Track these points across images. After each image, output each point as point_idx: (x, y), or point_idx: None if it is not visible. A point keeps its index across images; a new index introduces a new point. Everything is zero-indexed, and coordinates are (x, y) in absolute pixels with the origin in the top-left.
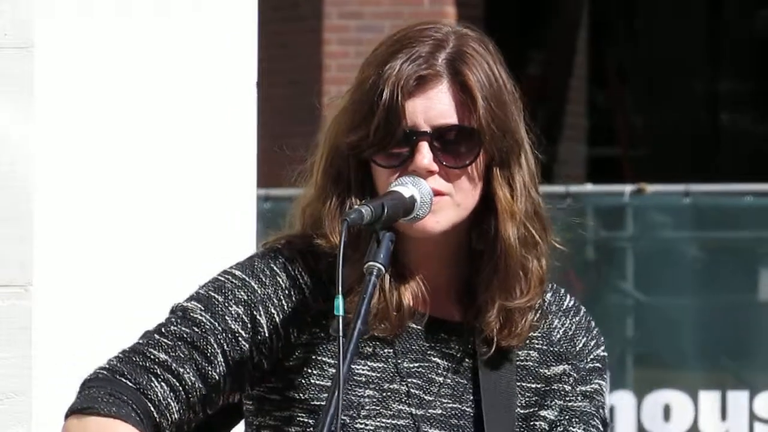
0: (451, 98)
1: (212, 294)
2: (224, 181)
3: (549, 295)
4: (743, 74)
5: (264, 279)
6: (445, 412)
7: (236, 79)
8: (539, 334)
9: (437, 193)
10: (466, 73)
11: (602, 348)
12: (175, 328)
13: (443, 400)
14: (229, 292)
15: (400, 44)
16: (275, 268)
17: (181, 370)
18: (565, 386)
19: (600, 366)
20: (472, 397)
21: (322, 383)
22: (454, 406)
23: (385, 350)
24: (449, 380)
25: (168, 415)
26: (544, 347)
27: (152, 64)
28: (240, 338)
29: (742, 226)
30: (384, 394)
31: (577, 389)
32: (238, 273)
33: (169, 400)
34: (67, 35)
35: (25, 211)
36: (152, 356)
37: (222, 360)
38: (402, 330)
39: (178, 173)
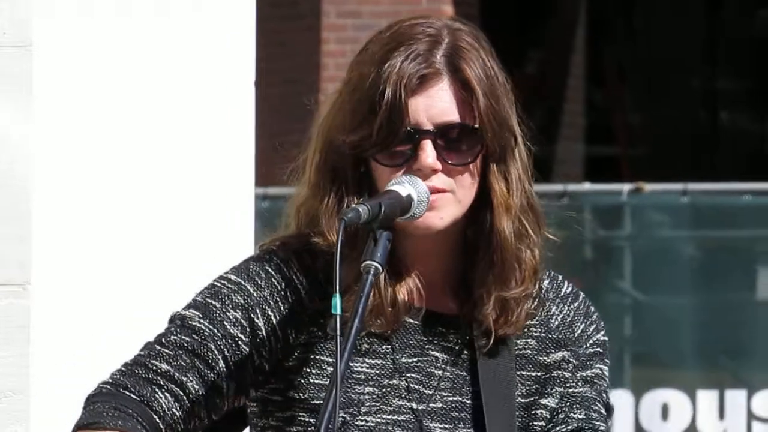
0: (452, 95)
1: (209, 300)
2: (222, 180)
3: (546, 282)
4: (742, 73)
5: (260, 282)
6: (445, 406)
7: (234, 77)
8: (537, 322)
9: (440, 191)
10: (465, 69)
11: (602, 332)
12: (175, 337)
13: (443, 394)
14: (226, 297)
15: (395, 42)
16: (270, 270)
17: (184, 379)
18: (565, 373)
19: (600, 350)
20: (472, 389)
21: (321, 382)
22: (455, 398)
23: (383, 346)
24: (448, 373)
25: (174, 424)
26: (543, 335)
27: (150, 63)
28: (240, 342)
29: (740, 225)
30: (383, 390)
31: (578, 375)
32: (233, 277)
33: (173, 410)
34: (65, 34)
35: (23, 210)
36: (154, 367)
37: (223, 365)
38: (398, 325)
39: (176, 172)
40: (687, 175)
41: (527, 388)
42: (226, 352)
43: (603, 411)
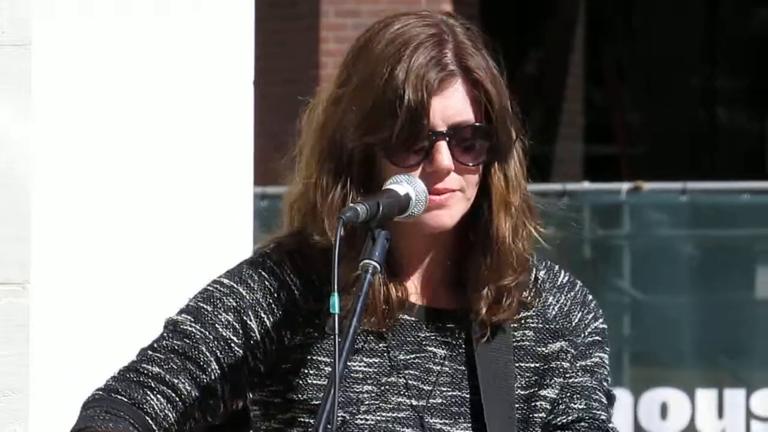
0: (464, 95)
1: (201, 305)
2: (221, 179)
3: (543, 272)
4: (740, 72)
5: (252, 284)
6: (445, 401)
7: (233, 77)
8: (534, 313)
9: (452, 190)
10: (475, 69)
11: (600, 320)
12: (167, 342)
13: (442, 389)
14: (218, 301)
15: (401, 40)
16: (263, 273)
17: (175, 380)
18: (564, 363)
19: (599, 339)
20: (470, 383)
21: (319, 383)
22: (454, 393)
23: (380, 344)
24: (447, 368)
25: (167, 425)
26: (540, 326)
27: (150, 62)
28: (232, 344)
29: (739, 224)
30: (382, 388)
31: (577, 365)
32: (226, 281)
33: (166, 411)
34: (65, 33)
35: (23, 209)
36: (145, 371)
37: (216, 367)
38: (393, 323)
39: (175, 172)
40: (686, 174)
41: (526, 379)
42: (218, 354)
43: (604, 400)
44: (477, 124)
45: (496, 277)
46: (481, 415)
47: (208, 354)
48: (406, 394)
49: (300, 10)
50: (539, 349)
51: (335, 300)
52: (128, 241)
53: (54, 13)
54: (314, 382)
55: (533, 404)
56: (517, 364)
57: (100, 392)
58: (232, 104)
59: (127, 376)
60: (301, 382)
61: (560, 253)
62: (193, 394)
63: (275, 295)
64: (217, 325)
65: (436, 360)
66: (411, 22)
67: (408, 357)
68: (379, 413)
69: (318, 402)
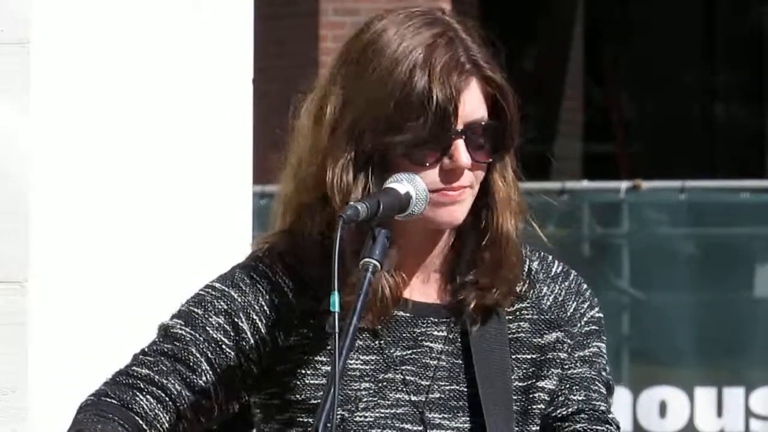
0: (479, 93)
1: (192, 308)
2: (220, 177)
3: (536, 263)
4: (739, 70)
5: (244, 287)
6: (443, 395)
7: (232, 75)
8: (528, 304)
9: (464, 187)
10: (485, 65)
11: (596, 309)
12: (157, 346)
13: (440, 384)
14: (209, 304)
15: (412, 42)
16: (255, 276)
17: (165, 381)
18: (561, 354)
19: (596, 328)
20: (468, 377)
21: (317, 382)
22: (452, 387)
23: (375, 342)
24: (444, 363)
25: (158, 425)
26: (535, 317)
27: (148, 60)
28: (224, 346)
29: (737, 223)
30: (380, 384)
31: (575, 355)
32: (217, 285)
33: (156, 411)
34: (63, 31)
35: (21, 207)
36: (135, 373)
37: (208, 368)
38: (388, 319)
39: (173, 170)
40: (685, 172)
41: (523, 371)
42: (209, 355)
43: (603, 390)
44: (490, 121)
45: (493, 272)
46: (479, 408)
47: (198, 355)
48: (404, 389)
49: (299, 8)
50: (535, 340)
51: (335, 298)
52: (127, 240)
53: (53, 12)
54: (312, 381)
55: (531, 396)
56: (513, 356)
57: (92, 397)
58: (231, 103)
59: (117, 379)
60: (298, 382)
61: (559, 251)
62: (184, 394)
63: (267, 297)
64: (207, 328)
65: (433, 355)
66: (414, 21)
67: (404, 353)
68: (377, 410)
69: (316, 401)
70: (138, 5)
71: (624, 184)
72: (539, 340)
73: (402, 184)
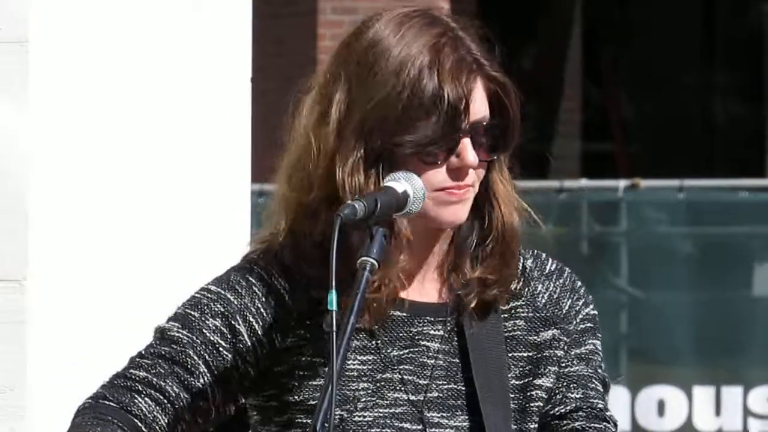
0: (483, 92)
1: (188, 311)
2: (219, 176)
3: (530, 261)
4: (738, 69)
5: (240, 290)
6: (441, 394)
7: (231, 74)
8: (523, 302)
9: (468, 186)
10: (486, 63)
11: (591, 306)
12: (155, 348)
13: (438, 383)
14: (205, 307)
15: (416, 44)
16: (250, 278)
17: (163, 383)
18: (557, 351)
19: (591, 325)
20: (465, 376)
21: (315, 383)
22: (450, 386)
23: (372, 342)
24: (441, 362)
25: (157, 427)
26: (530, 314)
27: (147, 59)
28: (221, 348)
29: (736, 222)
30: (378, 384)
31: (572, 353)
32: (213, 288)
33: (155, 413)
34: (62, 30)
35: (20, 206)
36: (132, 376)
37: (205, 370)
38: (384, 319)
39: (172, 169)
40: (683, 171)
41: (520, 369)
42: (206, 357)
43: (600, 388)
44: (494, 120)
45: (504, 266)
46: (478, 407)
47: (195, 358)
48: (403, 389)
49: (297, 7)
50: (531, 338)
51: (332, 297)
52: (125, 239)
53: (51, 11)
54: (310, 382)
55: (529, 394)
56: (509, 355)
57: (90, 400)
58: (230, 101)
59: (115, 382)
60: (296, 383)
61: (558, 249)
62: (182, 396)
63: (264, 299)
64: (204, 330)
65: (430, 354)
66: (413, 21)
67: (401, 353)
68: (376, 410)
69: (315, 402)
70: (136, 4)
71: (622, 183)
72: (535, 337)
73: (399, 182)
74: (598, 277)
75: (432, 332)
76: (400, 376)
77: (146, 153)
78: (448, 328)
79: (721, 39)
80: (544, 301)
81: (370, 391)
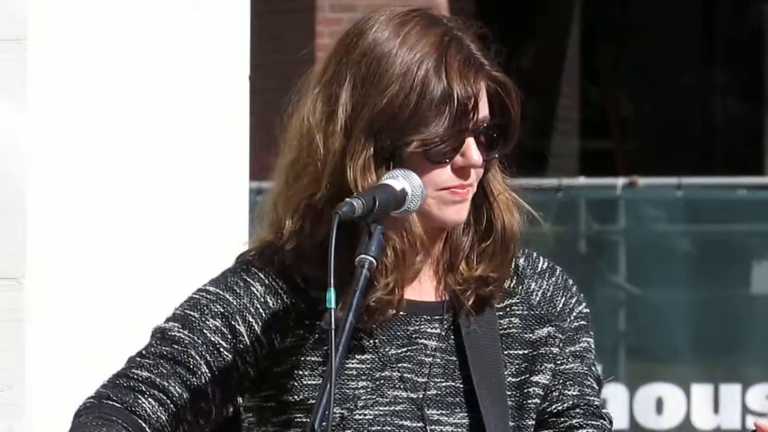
0: (485, 91)
1: (188, 312)
2: (217, 174)
3: (522, 260)
4: (736, 67)
5: (238, 290)
6: (440, 392)
7: (229, 72)
8: (518, 300)
9: (470, 185)
10: (487, 63)
11: (584, 304)
12: (155, 348)
13: (436, 380)
14: (205, 308)
15: (421, 43)
16: (248, 278)
17: (166, 384)
18: (553, 349)
19: (585, 323)
20: (462, 373)
21: (314, 382)
22: (448, 384)
23: (370, 341)
24: (438, 360)
25: (160, 428)
26: (525, 312)
27: (145, 57)
28: (221, 349)
29: (734, 220)
30: (377, 382)
31: (566, 350)
32: (211, 288)
33: (158, 414)
34: (60, 28)
35: (18, 204)
36: (135, 376)
37: (207, 370)
38: (381, 318)
39: (170, 167)
40: (681, 169)
41: (516, 367)
42: (208, 358)
43: (595, 385)
44: (494, 120)
45: (503, 264)
46: (476, 404)
47: (197, 358)
48: (402, 387)
49: (296, 4)
50: (526, 335)
51: (331, 295)
52: (123, 237)
53: (50, 9)
54: (309, 382)
55: (526, 391)
56: (505, 352)
57: (92, 400)
58: (228, 99)
59: (118, 382)
60: (296, 383)
61: (556, 247)
62: (185, 397)
63: (262, 299)
64: (205, 331)
65: (428, 352)
66: (414, 21)
67: (399, 351)
68: (377, 407)
69: (314, 401)
70: (135, 2)
71: (620, 181)
72: (530, 335)
73: (398, 180)
74: (596, 274)
75: (429, 330)
76: (399, 374)
77: (145, 151)
78: (445, 326)
79: (721, 39)
80: (538, 298)
81: (369, 390)
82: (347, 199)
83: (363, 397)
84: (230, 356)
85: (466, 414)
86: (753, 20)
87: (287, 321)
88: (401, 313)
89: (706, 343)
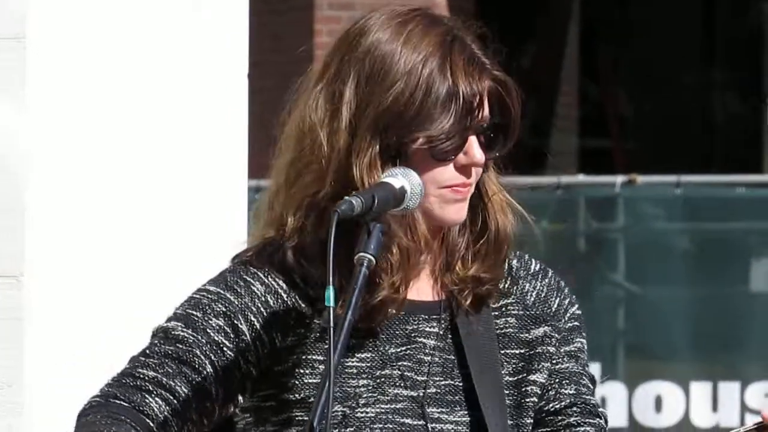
0: (486, 91)
1: (190, 311)
2: (216, 172)
3: (515, 261)
4: (735, 66)
5: (239, 290)
6: (439, 390)
7: (227, 70)
8: (513, 300)
9: (471, 184)
10: (488, 62)
11: (576, 306)
12: (159, 348)
13: (435, 379)
14: (207, 307)
15: (424, 42)
16: (248, 278)
17: (172, 383)
18: (549, 348)
19: (578, 324)
20: (461, 372)
21: (315, 381)
22: (447, 382)
23: (370, 340)
24: (437, 358)
25: (167, 427)
26: (521, 312)
27: (144, 56)
28: (225, 348)
29: (733, 218)
30: (378, 381)
31: (562, 350)
32: (212, 288)
33: (166, 413)
34: (59, 27)
35: (17, 203)
36: (141, 375)
37: (211, 370)
38: (381, 317)
39: (169, 166)
40: (680, 167)
41: (513, 366)
42: (212, 357)
43: (590, 385)
44: (495, 119)
45: (497, 264)
46: (476, 402)
47: (202, 357)
48: (403, 385)
49: (294, 3)
50: (522, 335)
51: (330, 293)
52: (122, 236)
53: (49, 7)
54: (310, 381)
55: (523, 390)
56: (502, 352)
57: (98, 399)
58: (227, 98)
59: (124, 381)
60: (296, 382)
61: (555, 245)
62: (191, 396)
63: (262, 298)
64: (208, 330)
65: (426, 351)
66: (415, 21)
67: (398, 350)
68: (378, 405)
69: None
70: (134, 2)
71: (619, 179)
72: (526, 335)
73: (396, 178)
74: (595, 272)
75: (427, 329)
76: (399, 373)
77: (144, 150)
78: (443, 325)
79: (721, 38)
80: (533, 299)
81: (370, 388)
82: (346, 198)
83: (364, 395)
84: (233, 355)
85: (466, 412)
86: (753, 20)
87: (288, 320)
88: (400, 312)
89: (705, 341)
